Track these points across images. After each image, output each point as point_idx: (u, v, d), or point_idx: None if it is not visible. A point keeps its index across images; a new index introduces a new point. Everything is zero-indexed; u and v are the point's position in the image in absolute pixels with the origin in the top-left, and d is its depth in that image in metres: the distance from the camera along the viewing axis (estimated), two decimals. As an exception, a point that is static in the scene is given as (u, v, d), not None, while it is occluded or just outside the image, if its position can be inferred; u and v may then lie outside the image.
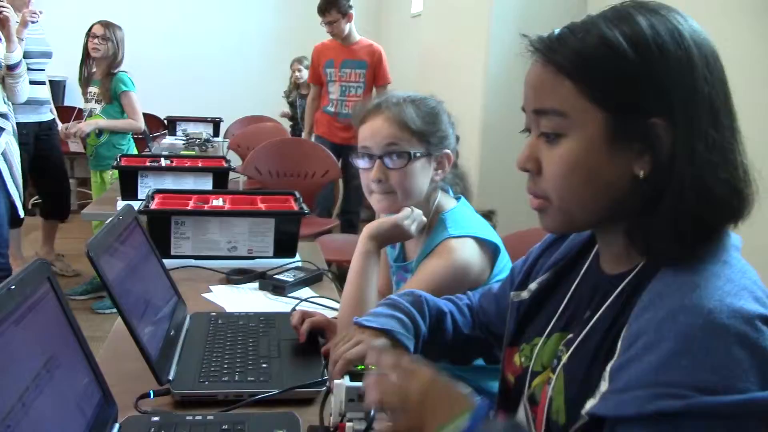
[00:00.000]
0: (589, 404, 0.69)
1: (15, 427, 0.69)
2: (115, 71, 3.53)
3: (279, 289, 1.66)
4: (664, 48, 0.69)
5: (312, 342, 1.31)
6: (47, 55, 3.59)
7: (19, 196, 2.82)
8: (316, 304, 1.58)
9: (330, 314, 1.50)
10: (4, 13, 2.60)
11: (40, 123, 3.55)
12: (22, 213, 2.90)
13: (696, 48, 0.70)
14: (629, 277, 0.76)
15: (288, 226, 1.89)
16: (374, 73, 4.04)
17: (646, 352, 0.64)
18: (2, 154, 2.69)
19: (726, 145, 0.70)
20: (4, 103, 2.73)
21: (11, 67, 2.68)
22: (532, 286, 0.94)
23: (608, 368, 0.68)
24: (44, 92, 3.58)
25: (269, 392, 1.10)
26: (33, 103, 3.50)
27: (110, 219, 1.19)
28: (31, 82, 3.47)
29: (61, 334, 0.89)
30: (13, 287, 0.78)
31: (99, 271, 1.01)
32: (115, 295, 1.03)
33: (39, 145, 3.59)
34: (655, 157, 0.70)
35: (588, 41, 0.71)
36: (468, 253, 1.31)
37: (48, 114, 3.63)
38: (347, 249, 3.22)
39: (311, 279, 1.75)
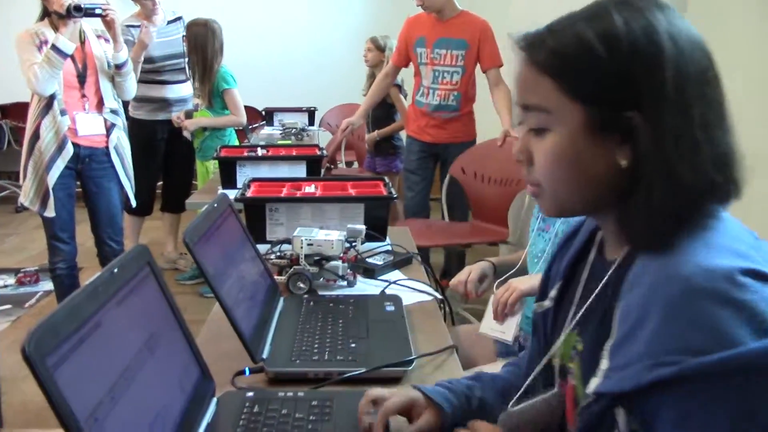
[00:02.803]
0: (593, 383, 0.71)
1: (119, 399, 0.75)
2: (214, 68, 3.62)
3: (369, 272, 1.69)
4: (634, 44, 0.70)
5: (397, 323, 1.34)
6: (174, 56, 3.75)
7: (131, 188, 3.01)
8: (405, 286, 1.60)
9: (420, 297, 1.53)
10: (111, 15, 2.77)
11: (170, 121, 3.77)
12: (134, 203, 3.10)
13: (670, 42, 0.70)
14: (618, 260, 0.78)
15: (378, 211, 1.92)
16: (477, 54, 3.19)
17: (638, 328, 0.67)
18: (114, 148, 2.88)
19: (699, 138, 0.70)
20: (114, 99, 2.91)
21: (119, 66, 2.85)
22: (552, 293, 0.94)
23: (606, 347, 0.71)
24: (173, 92, 3.79)
25: (357, 371, 1.14)
26: (161, 101, 3.73)
27: (205, 207, 1.26)
28: (161, 83, 3.70)
29: (162, 314, 0.96)
30: (115, 271, 0.85)
31: (195, 256, 1.07)
32: (210, 278, 1.09)
33: (171, 142, 3.81)
34: (634, 149, 0.72)
35: (564, 40, 0.74)
36: None
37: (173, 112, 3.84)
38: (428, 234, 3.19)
39: (401, 262, 1.78)
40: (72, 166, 2.78)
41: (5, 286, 3.82)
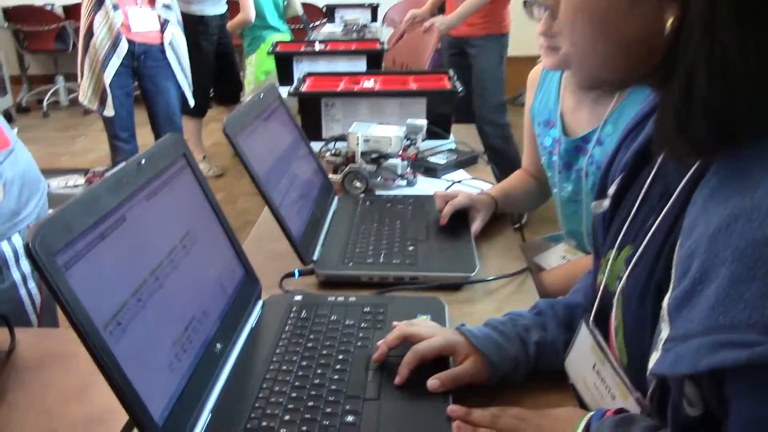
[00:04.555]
0: (653, 359, 0.51)
1: (147, 301, 0.68)
2: None
3: (431, 171, 1.57)
4: None
5: (461, 224, 1.22)
6: None
7: (189, 86, 2.94)
8: (470, 186, 1.48)
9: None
10: None
11: (222, 15, 3.65)
12: (192, 102, 3.03)
13: None
14: (691, 172, 0.57)
15: (441, 106, 1.78)
16: None
17: (703, 282, 0.47)
18: (170, 44, 2.79)
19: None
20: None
21: None
22: (611, 190, 0.75)
23: (665, 305, 0.51)
24: None
25: (415, 275, 1.05)
26: None
27: (250, 97, 1.15)
28: None
29: (199, 211, 0.87)
30: (142, 162, 0.76)
31: (236, 147, 0.98)
32: (253, 171, 0.99)
33: (221, 37, 3.70)
34: (682, 12, 0.49)
35: None
36: None
37: (225, 5, 3.72)
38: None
39: (465, 161, 1.65)
40: (128, 64, 2.72)
41: (75, 186, 3.91)
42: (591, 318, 0.74)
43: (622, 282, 0.65)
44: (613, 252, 0.70)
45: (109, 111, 2.71)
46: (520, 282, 1.06)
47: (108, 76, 2.66)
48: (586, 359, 0.75)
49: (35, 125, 5.37)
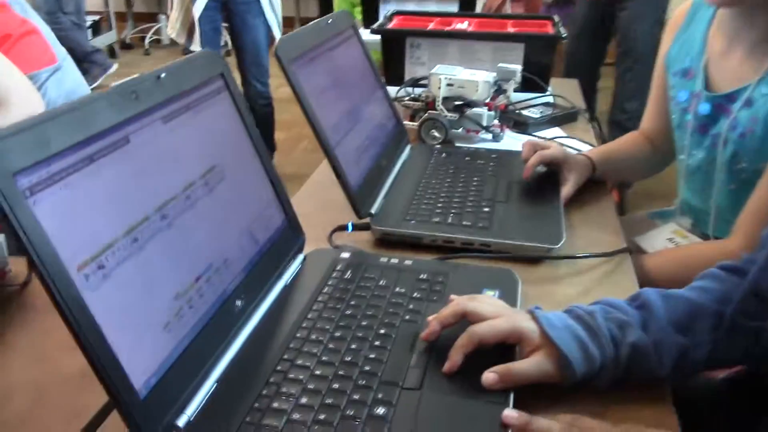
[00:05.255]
0: None
1: (146, 242, 0.55)
2: None
3: (521, 125, 1.39)
4: None
5: (550, 187, 1.04)
6: None
7: (278, 25, 2.82)
8: (566, 146, 1.28)
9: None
10: None
11: None
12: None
13: None
14: None
15: (540, 55, 1.57)
16: None
17: None
18: (260, -23, 2.68)
19: None
20: None
21: None
22: None
23: None
24: None
25: (486, 242, 0.88)
26: None
27: (317, 20, 1.01)
28: None
29: (233, 144, 0.74)
30: (162, 75, 0.63)
31: (288, 75, 0.83)
32: (306, 103, 0.85)
33: None
34: None
35: None
36: None
37: None
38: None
39: (562, 117, 1.45)
40: (217, -1, 2.63)
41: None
42: None
43: None
44: None
45: (196, 46, 2.65)
46: (616, 263, 0.88)
47: (197, 10, 2.58)
48: None
49: (136, 62, 5.45)
